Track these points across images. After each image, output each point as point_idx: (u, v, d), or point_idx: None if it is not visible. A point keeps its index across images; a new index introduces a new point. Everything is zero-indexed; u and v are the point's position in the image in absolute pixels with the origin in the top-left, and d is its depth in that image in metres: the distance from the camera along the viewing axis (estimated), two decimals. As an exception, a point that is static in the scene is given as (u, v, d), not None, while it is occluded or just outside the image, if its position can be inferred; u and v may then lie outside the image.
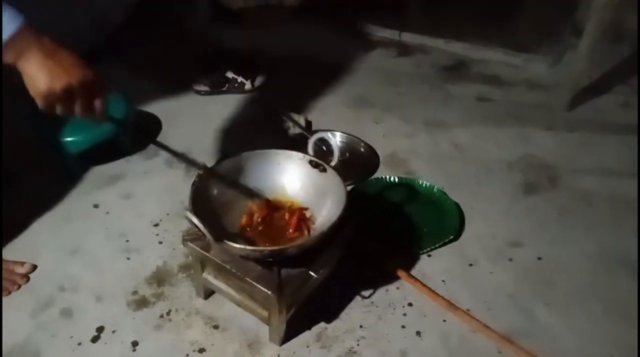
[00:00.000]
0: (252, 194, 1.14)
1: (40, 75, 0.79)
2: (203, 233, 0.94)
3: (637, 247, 1.33)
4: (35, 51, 0.80)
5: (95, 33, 2.05)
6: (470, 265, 1.29)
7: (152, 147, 1.63)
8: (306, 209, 1.14)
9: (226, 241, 0.96)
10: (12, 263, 1.24)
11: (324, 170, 1.14)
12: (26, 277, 1.22)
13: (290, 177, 1.18)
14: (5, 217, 1.35)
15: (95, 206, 1.43)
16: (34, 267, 1.25)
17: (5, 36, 0.78)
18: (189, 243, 1.07)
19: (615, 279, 1.26)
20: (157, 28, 2.25)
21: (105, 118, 0.89)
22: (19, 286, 1.20)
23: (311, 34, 2.33)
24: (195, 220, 0.93)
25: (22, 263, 1.24)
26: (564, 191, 1.52)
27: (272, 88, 1.94)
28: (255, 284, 1.00)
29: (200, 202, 1.04)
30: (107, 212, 1.41)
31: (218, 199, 1.11)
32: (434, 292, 1.20)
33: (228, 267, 1.03)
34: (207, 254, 1.05)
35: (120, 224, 1.37)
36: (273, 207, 1.15)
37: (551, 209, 1.46)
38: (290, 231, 1.10)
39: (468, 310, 1.17)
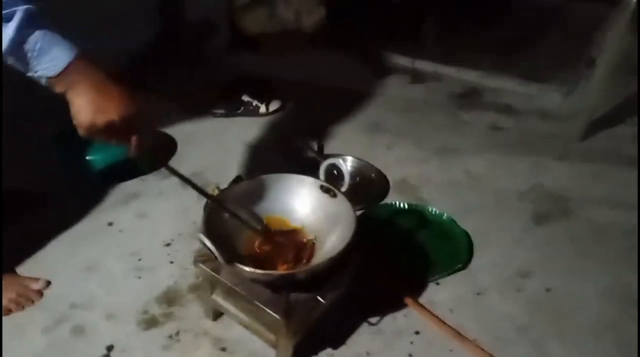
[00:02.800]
0: (250, 225, 1.15)
1: (86, 108, 0.84)
2: (214, 255, 0.96)
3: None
4: (85, 84, 0.84)
5: (120, 57, 2.11)
6: (479, 294, 1.29)
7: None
8: (304, 241, 1.15)
9: (237, 264, 0.97)
10: (27, 279, 1.26)
11: (335, 195, 1.15)
12: (40, 293, 1.24)
13: (301, 201, 1.20)
14: (22, 234, 1.38)
15: (110, 224, 1.46)
16: (48, 283, 1.27)
17: (58, 68, 0.83)
18: (200, 264, 1.09)
19: (627, 313, 1.25)
20: (178, 53, 2.31)
21: (141, 151, 0.93)
22: (33, 302, 1.22)
23: (327, 60, 2.38)
24: (207, 242, 0.95)
25: (37, 279, 1.26)
26: (576, 222, 1.52)
27: (286, 112, 1.98)
28: (264, 307, 1.01)
29: (213, 224, 1.06)
30: (121, 231, 1.44)
31: (230, 221, 1.13)
32: (441, 320, 1.20)
33: (237, 289, 1.05)
34: (217, 276, 1.07)
35: (133, 243, 1.40)
36: (273, 235, 1.16)
37: (562, 240, 1.46)
38: (287, 262, 1.10)
39: (475, 340, 1.17)
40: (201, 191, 1.06)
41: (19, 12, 0.79)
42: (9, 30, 0.78)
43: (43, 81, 0.85)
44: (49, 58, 0.82)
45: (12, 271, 1.29)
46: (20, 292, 1.22)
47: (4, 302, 1.19)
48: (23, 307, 1.21)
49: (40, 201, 1.51)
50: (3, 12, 0.77)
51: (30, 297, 1.22)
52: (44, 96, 0.87)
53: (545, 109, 2.08)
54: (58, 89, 0.85)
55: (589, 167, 1.75)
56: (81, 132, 0.87)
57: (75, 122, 0.86)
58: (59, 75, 0.83)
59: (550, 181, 1.68)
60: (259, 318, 1.09)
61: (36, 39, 0.81)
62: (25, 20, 0.79)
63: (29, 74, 0.84)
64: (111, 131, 0.87)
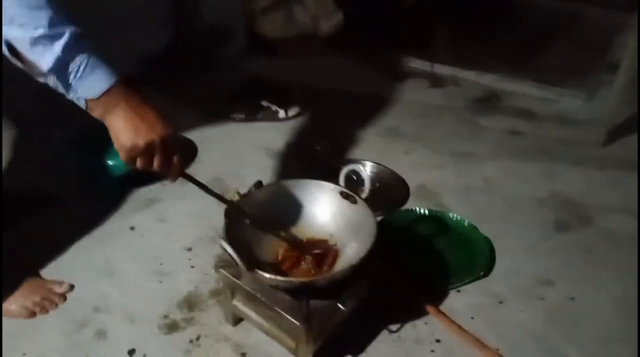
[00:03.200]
0: (274, 232, 1.15)
1: (125, 130, 0.86)
2: (235, 261, 0.96)
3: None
4: (122, 107, 0.86)
5: (136, 61, 2.14)
6: (500, 302, 1.28)
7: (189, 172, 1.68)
8: (328, 248, 1.15)
9: (257, 270, 0.98)
10: (51, 282, 1.28)
11: (355, 201, 1.16)
12: (64, 296, 1.26)
13: (321, 207, 1.20)
14: (46, 238, 1.40)
15: (132, 228, 1.47)
16: (72, 287, 1.29)
17: (99, 91, 0.85)
18: (220, 270, 1.10)
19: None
20: (195, 57, 2.32)
21: (179, 175, 0.94)
22: (57, 305, 1.24)
23: (345, 64, 2.38)
24: (228, 248, 0.96)
25: (60, 283, 1.28)
26: (595, 231, 1.50)
27: (305, 117, 1.99)
28: (284, 314, 1.01)
29: (234, 230, 1.07)
30: (142, 235, 1.46)
31: (251, 227, 1.14)
32: (462, 329, 1.20)
33: (258, 295, 1.05)
34: (238, 282, 1.08)
35: (155, 247, 1.41)
36: (297, 243, 1.17)
37: (581, 248, 1.44)
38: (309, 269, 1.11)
39: (497, 349, 1.16)
40: (220, 197, 1.07)
41: (68, 32, 0.80)
42: (56, 48, 0.80)
43: (82, 103, 0.86)
44: (91, 80, 0.84)
45: (36, 275, 1.31)
46: (45, 296, 1.24)
47: (29, 305, 1.21)
48: (47, 311, 1.23)
49: (62, 204, 1.53)
50: (51, 31, 0.79)
51: (54, 300, 1.24)
52: (61, 100, 0.88)
53: (564, 114, 2.05)
54: (96, 112, 0.87)
55: (607, 174, 1.72)
56: (123, 156, 0.88)
57: (116, 146, 0.88)
58: (98, 98, 0.85)
59: (568, 188, 1.66)
60: (279, 324, 1.09)
61: (81, 60, 0.82)
62: (73, 41, 0.81)
63: (70, 96, 0.86)
64: (152, 153, 0.88)
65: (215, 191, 1.58)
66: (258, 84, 2.05)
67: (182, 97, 2.09)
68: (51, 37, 0.79)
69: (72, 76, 0.83)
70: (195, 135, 1.87)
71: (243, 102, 1.95)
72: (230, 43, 2.47)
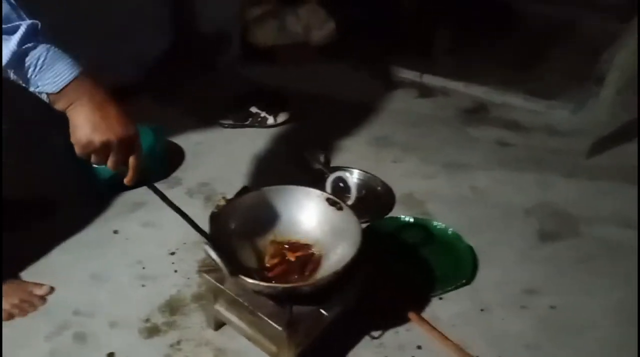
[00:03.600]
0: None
1: (83, 126, 0.84)
2: (219, 266, 0.96)
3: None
4: (84, 103, 0.84)
5: (133, 68, 2.14)
6: (483, 310, 1.28)
7: (174, 177, 1.68)
8: (311, 254, 1.15)
9: (240, 276, 0.97)
10: (31, 285, 1.27)
11: (341, 208, 1.16)
12: (43, 299, 1.25)
13: (307, 214, 1.20)
14: (28, 241, 1.39)
15: (115, 232, 1.46)
16: (52, 289, 1.27)
17: (60, 85, 0.83)
18: (204, 274, 1.09)
19: (633, 332, 1.23)
20: (190, 64, 2.33)
21: (136, 177, 0.92)
22: (36, 308, 1.23)
23: (336, 73, 2.39)
24: (212, 253, 0.95)
25: (40, 285, 1.26)
26: (582, 240, 1.51)
27: (294, 124, 1.99)
28: (267, 319, 1.01)
29: (218, 235, 1.07)
30: (127, 239, 1.45)
31: (236, 232, 1.14)
32: (444, 336, 1.19)
33: (241, 300, 1.04)
34: (221, 286, 1.07)
35: (138, 251, 1.40)
36: (281, 248, 1.16)
37: (568, 257, 1.44)
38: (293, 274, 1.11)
39: (479, 357, 1.16)
40: (195, 227, 1.03)
41: (23, 25, 0.79)
42: (11, 43, 0.78)
43: (44, 97, 0.84)
44: (52, 74, 0.82)
45: (16, 277, 1.29)
46: (24, 298, 1.22)
47: (7, 307, 1.20)
48: (26, 313, 1.21)
49: (46, 208, 1.52)
50: (7, 25, 0.77)
51: (33, 303, 1.23)
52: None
53: (553, 125, 2.07)
54: (59, 105, 0.85)
55: (596, 184, 1.74)
56: (77, 150, 0.86)
57: (72, 139, 0.86)
58: (60, 91, 0.83)
59: (557, 198, 1.67)
60: (261, 329, 1.08)
61: (39, 53, 0.81)
62: (29, 34, 0.79)
63: (31, 89, 0.83)
64: (107, 152, 0.86)
65: (203, 196, 1.61)
66: (250, 91, 2.06)
67: (176, 103, 2.09)
68: (7, 32, 0.78)
69: (30, 70, 0.81)
70: (184, 140, 1.87)
71: (234, 108, 1.95)
72: (226, 50, 2.48)
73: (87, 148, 0.85)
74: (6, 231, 1.26)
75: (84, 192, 1.59)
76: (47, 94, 0.84)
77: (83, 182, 1.58)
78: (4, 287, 1.22)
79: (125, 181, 0.92)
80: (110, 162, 0.88)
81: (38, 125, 1.77)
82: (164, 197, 0.98)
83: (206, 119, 1.98)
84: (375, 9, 2.57)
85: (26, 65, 0.81)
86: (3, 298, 1.21)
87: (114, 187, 1.58)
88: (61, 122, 0.88)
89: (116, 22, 2.16)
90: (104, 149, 0.86)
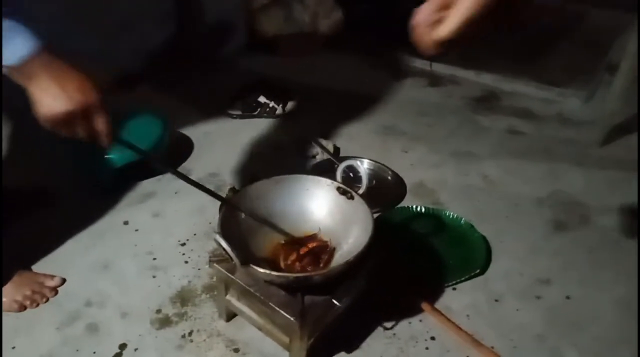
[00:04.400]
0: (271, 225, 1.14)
1: (43, 99, 0.82)
2: (230, 256, 0.95)
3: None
4: (42, 75, 0.82)
5: (137, 58, 2.13)
6: (496, 301, 1.27)
7: (183, 167, 1.67)
8: (325, 245, 1.14)
9: (252, 265, 0.97)
10: (42, 276, 1.27)
11: (352, 197, 1.14)
12: (55, 290, 1.25)
13: (317, 203, 1.19)
14: (39, 232, 1.39)
15: (125, 223, 1.46)
16: (63, 280, 1.27)
17: (18, 59, 0.80)
18: (214, 264, 1.08)
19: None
20: (195, 54, 2.31)
21: (111, 142, 0.90)
22: (48, 299, 1.23)
23: (343, 63, 2.37)
24: (223, 243, 0.94)
25: (52, 276, 1.27)
26: (594, 231, 1.49)
27: (302, 114, 1.97)
28: (278, 309, 1.00)
29: (229, 225, 1.06)
30: (137, 230, 1.44)
31: (247, 221, 1.13)
32: (457, 327, 1.18)
33: (252, 290, 1.04)
34: (232, 277, 1.06)
35: (149, 242, 1.40)
36: (293, 242, 1.15)
37: (581, 248, 1.43)
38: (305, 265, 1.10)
39: (492, 348, 1.15)
40: (215, 195, 1.05)
41: None
42: None
43: (4, 71, 0.82)
44: (9, 48, 0.79)
45: (28, 268, 1.29)
46: (36, 289, 1.22)
47: (19, 298, 1.20)
48: (38, 304, 1.21)
49: (56, 199, 1.51)
50: None
51: (44, 294, 1.23)
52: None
53: (564, 114, 2.05)
54: (19, 79, 0.83)
55: (607, 175, 1.71)
56: (44, 125, 0.85)
57: (36, 115, 0.85)
58: (18, 66, 0.81)
59: (568, 188, 1.65)
60: (273, 320, 1.08)
61: None
62: None
63: None
64: (74, 122, 0.85)
65: (212, 186, 1.60)
66: (256, 79, 2.04)
67: (181, 93, 2.08)
68: None
69: None
70: (192, 131, 1.86)
71: (241, 98, 1.94)
72: (231, 40, 2.46)
73: (51, 121, 0.84)
74: (8, 221, 1.26)
75: (92, 182, 1.58)
76: (6, 67, 0.81)
77: (91, 171, 1.56)
78: (16, 279, 1.22)
79: (103, 145, 0.90)
80: (80, 132, 0.86)
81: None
82: (186, 178, 1.01)
83: (213, 109, 1.97)
84: (379, 3, 2.53)
85: None
86: (15, 289, 1.21)
87: (124, 178, 1.57)
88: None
89: (119, 11, 2.16)
90: (70, 120, 0.84)
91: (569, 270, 1.36)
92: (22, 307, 1.20)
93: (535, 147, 1.84)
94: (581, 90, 2.12)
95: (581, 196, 1.62)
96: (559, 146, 1.85)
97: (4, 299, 1.20)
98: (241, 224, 1.12)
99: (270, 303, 1.01)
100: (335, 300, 1.02)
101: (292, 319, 0.98)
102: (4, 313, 1.19)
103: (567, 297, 1.28)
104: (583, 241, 1.45)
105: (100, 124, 0.87)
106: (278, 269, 1.08)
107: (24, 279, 1.23)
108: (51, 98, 0.82)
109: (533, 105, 2.10)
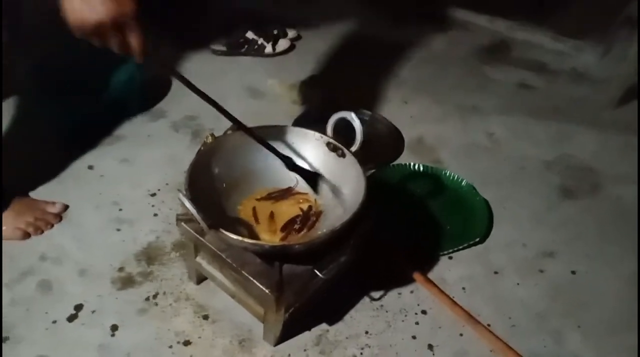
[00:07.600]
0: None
1: (76, 7, 0.77)
2: (196, 218, 0.81)
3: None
4: None
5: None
6: (496, 273, 1.16)
7: (157, 109, 1.50)
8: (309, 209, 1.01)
9: (221, 230, 0.83)
10: (43, 203, 1.18)
11: (343, 155, 1.01)
12: (59, 217, 1.17)
13: (304, 159, 1.05)
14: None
15: (90, 168, 1.31)
16: (66, 207, 1.20)
17: None
18: (182, 224, 0.95)
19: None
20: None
21: (144, 55, 0.84)
22: (52, 226, 1.15)
23: (343, 4, 2.15)
24: (187, 203, 0.80)
25: (53, 203, 1.18)
26: (605, 200, 1.37)
27: (295, 55, 1.80)
28: (253, 279, 0.88)
29: (199, 180, 0.92)
30: (102, 176, 1.30)
31: (221, 177, 0.99)
32: (452, 300, 1.08)
33: (223, 256, 0.91)
34: (201, 239, 0.93)
35: (115, 191, 1.26)
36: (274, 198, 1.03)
37: (589, 219, 1.32)
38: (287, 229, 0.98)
39: (489, 325, 1.05)
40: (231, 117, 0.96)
41: None
42: None
43: None
44: None
45: (25, 195, 1.20)
46: (38, 216, 1.15)
47: (22, 225, 1.12)
48: (42, 231, 1.14)
49: (18, 143, 1.35)
50: None
51: (48, 220, 1.16)
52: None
53: (578, 69, 1.89)
54: None
55: (621, 139, 1.58)
56: (75, 33, 0.78)
57: (68, 24, 0.78)
58: None
59: (578, 151, 1.52)
60: (246, 289, 0.96)
61: None
62: None
63: None
64: (105, 33, 0.78)
65: (190, 131, 1.45)
66: (244, 11, 1.84)
67: (158, 26, 1.87)
68: None
69: None
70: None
71: (226, 32, 1.74)
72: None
73: (82, 30, 0.78)
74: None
75: (53, 123, 1.41)
76: None
77: (52, 112, 1.40)
78: (15, 205, 1.14)
79: (137, 61, 0.85)
80: (112, 44, 0.80)
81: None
82: (191, 86, 0.95)
83: (195, 45, 1.78)
84: None
85: None
86: (15, 217, 1.12)
87: (85, 122, 1.40)
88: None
89: None
90: (100, 30, 0.78)
91: (575, 243, 1.25)
92: (26, 235, 1.13)
93: (546, 105, 1.70)
94: (598, 44, 1.94)
95: (592, 161, 1.49)
96: (570, 105, 1.71)
97: (4, 228, 1.11)
98: (215, 178, 0.98)
99: (243, 272, 0.89)
100: (318, 270, 0.89)
101: (267, 291, 0.86)
102: (3, 242, 1.10)
103: (573, 273, 1.18)
104: (592, 211, 1.34)
105: (134, 39, 0.81)
106: (254, 235, 0.95)
107: (24, 206, 1.15)
108: (84, 6, 0.76)
109: (546, 57, 1.93)
